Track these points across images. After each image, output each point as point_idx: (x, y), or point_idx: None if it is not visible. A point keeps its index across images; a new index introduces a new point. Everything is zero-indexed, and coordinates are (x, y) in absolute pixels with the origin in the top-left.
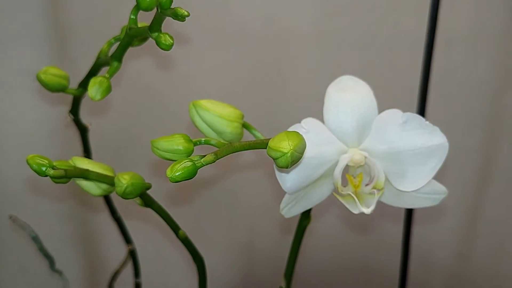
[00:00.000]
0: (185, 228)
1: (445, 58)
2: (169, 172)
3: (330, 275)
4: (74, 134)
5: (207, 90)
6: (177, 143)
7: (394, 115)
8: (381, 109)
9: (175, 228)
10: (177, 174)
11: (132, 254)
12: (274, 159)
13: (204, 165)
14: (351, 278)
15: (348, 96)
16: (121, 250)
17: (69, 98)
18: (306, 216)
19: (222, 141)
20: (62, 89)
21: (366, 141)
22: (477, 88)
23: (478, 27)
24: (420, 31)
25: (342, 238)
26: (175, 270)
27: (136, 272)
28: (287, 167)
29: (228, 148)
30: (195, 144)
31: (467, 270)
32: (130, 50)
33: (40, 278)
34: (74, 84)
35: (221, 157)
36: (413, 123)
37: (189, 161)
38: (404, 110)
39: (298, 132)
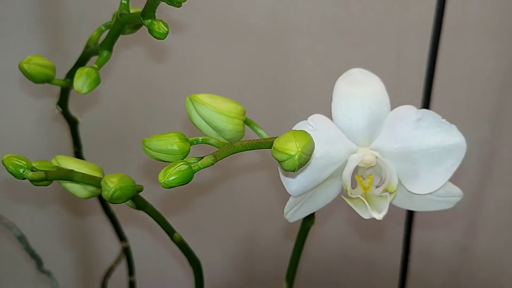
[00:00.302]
0: (185, 225)
1: (451, 50)
2: (161, 177)
3: (329, 269)
4: (64, 127)
5: (206, 83)
6: (172, 142)
7: (408, 111)
8: None
9: (170, 231)
10: (171, 179)
11: (126, 252)
12: (280, 161)
13: (202, 169)
14: (350, 273)
15: (359, 91)
16: (115, 248)
17: (58, 89)
18: (309, 217)
19: (222, 140)
20: (47, 79)
21: (377, 140)
22: (483, 81)
23: (486, 19)
24: (426, 23)
25: (342, 233)
26: (170, 267)
27: (130, 270)
28: (294, 171)
29: (228, 149)
30: (191, 143)
31: (468, 266)
32: (122, 38)
33: (30, 279)
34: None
35: (221, 159)
36: (429, 120)
37: (184, 164)
38: (409, 102)
39: (306, 132)
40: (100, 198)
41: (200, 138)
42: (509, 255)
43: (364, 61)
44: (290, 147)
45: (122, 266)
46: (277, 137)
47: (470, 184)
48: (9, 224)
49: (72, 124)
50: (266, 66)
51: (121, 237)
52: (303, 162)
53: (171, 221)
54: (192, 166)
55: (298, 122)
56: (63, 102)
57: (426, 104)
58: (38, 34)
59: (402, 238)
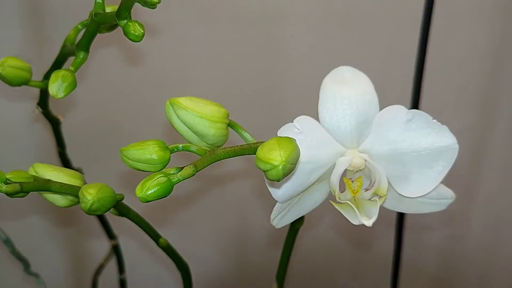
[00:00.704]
0: (174, 220)
1: (442, 36)
2: (139, 191)
3: (321, 259)
4: (47, 128)
5: (189, 84)
6: (151, 151)
7: (397, 112)
8: (377, 91)
9: (155, 236)
10: (149, 192)
11: (116, 250)
12: (264, 171)
13: (182, 180)
14: (343, 263)
15: (347, 90)
16: (105, 246)
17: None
18: (298, 218)
19: (204, 146)
20: (24, 82)
21: (366, 141)
22: (473, 67)
23: (477, 3)
24: (418, 7)
25: (333, 222)
26: (162, 265)
27: (121, 268)
28: (278, 181)
29: (210, 157)
30: (171, 151)
31: (460, 251)
32: (99, 37)
33: (18, 282)
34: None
35: (202, 169)
36: (419, 121)
37: (163, 176)
38: (399, 90)
39: (291, 139)
40: None
41: (180, 145)
42: (499, 241)
43: (354, 45)
44: (274, 156)
45: (113, 265)
46: (262, 142)
47: (461, 171)
48: None
49: (54, 124)
50: (253, 64)
51: (110, 235)
52: (287, 172)
53: (160, 217)
54: (171, 178)
55: (285, 121)
56: (43, 102)
57: (416, 91)
58: (20, 25)
59: (394, 225)
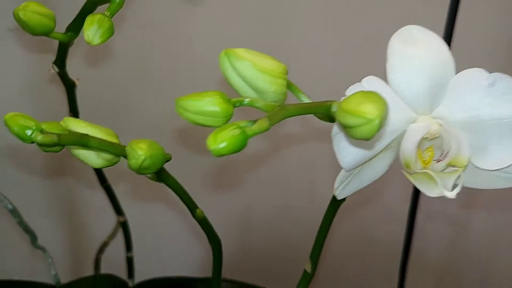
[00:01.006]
0: (178, 198)
1: (466, 17)
2: (212, 142)
3: (331, 249)
4: (57, 91)
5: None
6: (213, 102)
7: (477, 75)
8: None
9: (192, 207)
10: (222, 146)
11: (124, 226)
12: (351, 127)
13: (257, 134)
14: (352, 250)
15: (417, 50)
16: (112, 222)
17: (50, 46)
18: None
19: (269, 103)
20: (46, 31)
21: (440, 107)
22: (494, 52)
23: None
24: None
25: (345, 212)
26: (170, 243)
27: (128, 246)
28: (368, 139)
29: (282, 112)
30: (234, 105)
31: (465, 242)
32: None
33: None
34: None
35: (274, 124)
36: (502, 86)
37: (237, 128)
38: None
39: (377, 93)
40: (96, 169)
41: (245, 99)
42: (504, 231)
43: (374, 27)
44: (368, 109)
45: (119, 242)
46: (332, 100)
47: None
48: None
49: (69, 87)
50: (270, 33)
51: (118, 210)
52: (382, 127)
53: (166, 194)
54: (246, 130)
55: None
56: (60, 60)
57: None
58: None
59: (407, 216)
